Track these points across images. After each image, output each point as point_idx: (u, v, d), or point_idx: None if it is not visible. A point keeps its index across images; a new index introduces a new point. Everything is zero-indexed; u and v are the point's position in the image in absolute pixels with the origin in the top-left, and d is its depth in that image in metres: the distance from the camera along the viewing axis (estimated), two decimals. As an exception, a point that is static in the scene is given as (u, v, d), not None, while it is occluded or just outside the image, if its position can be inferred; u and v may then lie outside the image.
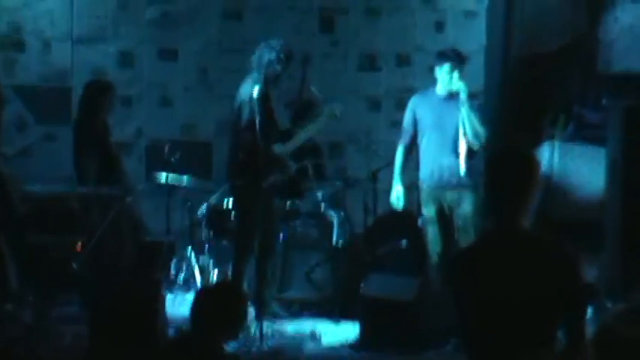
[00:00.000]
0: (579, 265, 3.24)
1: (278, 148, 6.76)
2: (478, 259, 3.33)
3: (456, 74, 6.70)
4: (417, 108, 6.94)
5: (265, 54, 6.71)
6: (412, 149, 7.01)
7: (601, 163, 7.20)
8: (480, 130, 6.65)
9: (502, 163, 3.36)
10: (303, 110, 7.51)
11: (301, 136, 6.98)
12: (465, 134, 6.67)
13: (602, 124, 7.44)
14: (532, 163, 3.35)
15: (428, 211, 6.89)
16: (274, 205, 7.00)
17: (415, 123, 6.94)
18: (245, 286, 6.71)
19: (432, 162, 6.83)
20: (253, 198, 6.65)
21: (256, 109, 6.50)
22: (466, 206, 6.70)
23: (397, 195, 7.03)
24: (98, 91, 7.56)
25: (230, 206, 7.41)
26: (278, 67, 6.71)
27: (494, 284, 3.24)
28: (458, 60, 6.76)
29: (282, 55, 6.70)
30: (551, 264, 3.22)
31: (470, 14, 9.08)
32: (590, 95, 7.97)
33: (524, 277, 3.21)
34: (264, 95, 6.58)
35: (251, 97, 6.56)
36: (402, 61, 9.15)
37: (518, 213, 3.28)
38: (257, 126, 6.47)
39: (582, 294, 3.26)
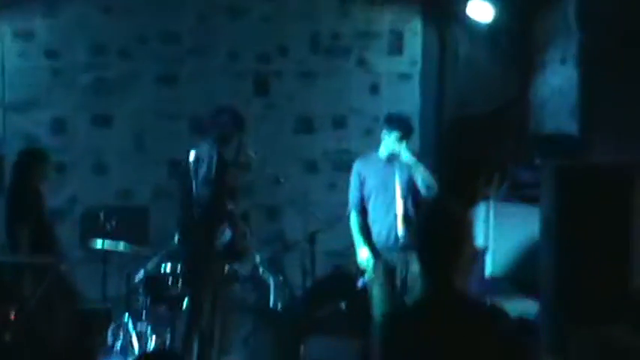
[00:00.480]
0: (514, 333, 3.24)
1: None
2: (411, 321, 3.28)
3: (403, 144, 6.83)
4: (362, 171, 7.06)
5: (217, 119, 6.75)
6: (363, 211, 7.04)
7: (535, 221, 7.28)
8: (432, 182, 6.76)
9: (431, 223, 3.30)
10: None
11: None
12: (403, 196, 6.76)
13: (536, 183, 7.54)
14: (462, 221, 3.27)
15: (375, 271, 6.92)
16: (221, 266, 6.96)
17: (361, 186, 7.00)
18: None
19: (379, 223, 6.93)
20: (208, 258, 6.63)
21: (213, 167, 6.54)
22: (415, 267, 6.73)
23: (366, 258, 7.01)
24: (32, 159, 7.48)
25: (169, 270, 7.34)
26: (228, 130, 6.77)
27: (424, 349, 3.19)
28: (407, 132, 6.90)
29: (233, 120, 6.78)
30: (485, 330, 3.17)
31: (404, 77, 9.20)
32: (523, 155, 8.09)
33: (456, 342, 3.15)
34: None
35: (210, 156, 6.57)
36: (338, 123, 9.22)
37: (451, 274, 3.21)
38: (216, 182, 6.53)
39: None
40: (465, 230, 3.27)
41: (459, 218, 3.28)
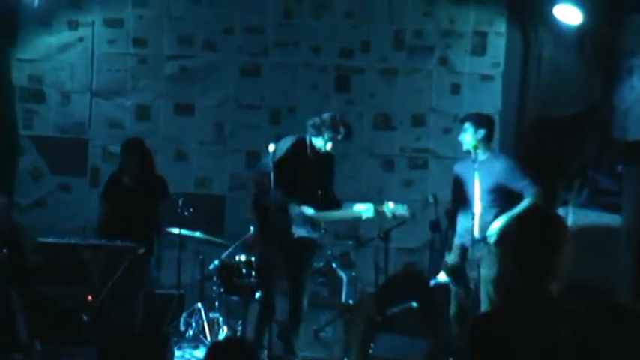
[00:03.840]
0: None
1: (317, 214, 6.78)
2: (501, 324, 3.23)
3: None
4: (456, 170, 7.11)
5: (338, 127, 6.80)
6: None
7: (615, 230, 7.11)
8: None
9: (531, 225, 3.28)
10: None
11: (339, 215, 6.96)
12: (482, 197, 6.64)
13: (617, 191, 7.37)
14: (561, 225, 3.26)
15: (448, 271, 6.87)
16: (304, 266, 6.94)
17: (454, 186, 7.08)
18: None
19: (460, 224, 6.90)
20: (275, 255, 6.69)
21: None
22: (484, 270, 6.62)
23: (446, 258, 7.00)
24: (121, 149, 7.63)
25: (243, 260, 7.35)
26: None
27: (516, 352, 3.14)
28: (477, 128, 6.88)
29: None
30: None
31: (486, 78, 9.05)
32: (605, 162, 7.91)
33: (547, 348, 3.10)
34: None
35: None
36: (417, 121, 9.12)
37: (546, 277, 3.19)
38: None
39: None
40: (563, 235, 3.24)
41: (558, 221, 3.28)
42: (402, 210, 6.78)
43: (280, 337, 6.92)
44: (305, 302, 6.86)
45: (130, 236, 7.10)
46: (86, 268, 6.98)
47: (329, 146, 6.75)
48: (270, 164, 6.55)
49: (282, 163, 6.68)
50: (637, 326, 2.84)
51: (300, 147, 6.84)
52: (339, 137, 6.77)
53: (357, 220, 7.14)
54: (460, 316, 6.80)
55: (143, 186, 7.54)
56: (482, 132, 6.84)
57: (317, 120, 6.80)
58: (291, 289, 6.88)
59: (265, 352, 6.64)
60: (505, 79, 9.01)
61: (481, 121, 6.94)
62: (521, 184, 6.75)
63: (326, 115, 6.83)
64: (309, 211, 6.77)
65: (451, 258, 6.90)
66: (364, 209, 6.79)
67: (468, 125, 6.89)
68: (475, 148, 6.77)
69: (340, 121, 6.78)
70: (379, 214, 6.83)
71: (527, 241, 3.24)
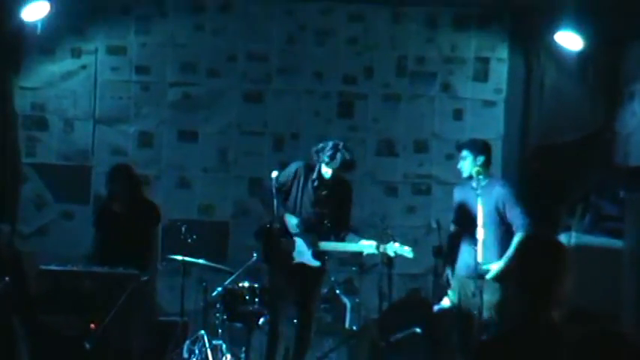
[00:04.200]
0: None
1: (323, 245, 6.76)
2: (505, 350, 3.25)
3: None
4: (456, 195, 7.13)
5: (339, 155, 6.72)
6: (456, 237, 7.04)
7: (618, 255, 7.08)
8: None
9: (532, 253, 3.32)
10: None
11: (345, 246, 6.93)
12: (485, 223, 6.62)
13: (620, 217, 7.35)
14: (562, 252, 3.30)
15: (450, 298, 6.83)
16: (313, 292, 6.91)
17: (455, 211, 7.11)
18: None
19: (463, 249, 6.88)
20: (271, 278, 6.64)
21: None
22: (488, 295, 6.59)
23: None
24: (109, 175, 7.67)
25: (246, 287, 7.33)
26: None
27: None
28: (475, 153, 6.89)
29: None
30: None
31: (488, 103, 9.06)
32: (608, 187, 7.89)
33: None
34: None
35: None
36: (420, 147, 9.11)
37: (548, 304, 3.23)
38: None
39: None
40: (564, 262, 3.28)
41: (559, 249, 3.31)
42: (405, 252, 6.75)
43: None
44: (312, 331, 6.83)
45: (123, 263, 7.07)
46: (89, 296, 6.95)
47: (328, 172, 6.74)
48: (273, 190, 6.55)
49: (283, 189, 6.67)
50: (633, 356, 2.92)
51: (305, 173, 6.83)
52: (334, 163, 6.71)
53: (359, 254, 7.13)
54: (465, 343, 6.76)
55: (133, 212, 7.52)
56: (481, 158, 6.84)
57: (319, 146, 6.80)
58: (299, 316, 6.85)
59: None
60: (507, 105, 9.02)
61: (479, 147, 6.95)
62: (512, 213, 6.75)
63: (328, 142, 6.83)
64: (292, 222, 6.73)
65: (453, 297, 6.87)
66: (367, 245, 6.78)
67: (466, 152, 6.89)
68: (478, 173, 6.76)
69: (340, 149, 6.73)
70: (382, 252, 6.79)
71: (529, 269, 3.27)
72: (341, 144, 6.78)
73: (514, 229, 6.71)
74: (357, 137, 9.04)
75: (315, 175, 6.80)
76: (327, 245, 6.81)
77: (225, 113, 9.05)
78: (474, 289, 6.65)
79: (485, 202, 6.65)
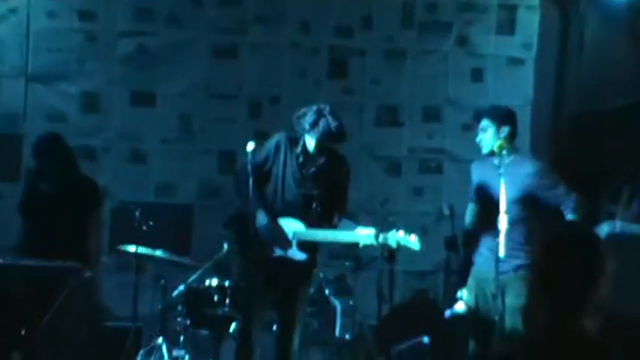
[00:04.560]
0: None
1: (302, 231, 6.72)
2: None
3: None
4: (474, 174, 7.07)
5: (322, 122, 6.62)
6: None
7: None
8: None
9: (560, 248, 3.27)
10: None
11: (334, 235, 6.89)
12: (508, 209, 6.60)
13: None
14: (598, 249, 3.24)
15: (465, 301, 6.84)
16: (294, 295, 6.86)
17: (474, 194, 7.05)
18: None
19: (482, 241, 6.83)
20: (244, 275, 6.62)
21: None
22: (511, 298, 6.59)
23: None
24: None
25: (214, 286, 7.32)
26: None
27: None
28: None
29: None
30: None
31: (514, 62, 9.15)
32: (661, 166, 7.92)
33: None
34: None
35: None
36: (430, 115, 9.13)
37: (579, 311, 3.20)
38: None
39: None
40: (603, 262, 3.23)
41: (593, 242, 3.28)
42: (411, 244, 6.69)
43: None
44: (296, 341, 6.79)
45: (55, 256, 7.02)
46: (18, 296, 6.91)
47: (311, 144, 6.68)
48: (249, 167, 6.49)
49: (263, 169, 6.62)
50: None
51: (287, 146, 6.77)
52: (315, 132, 6.65)
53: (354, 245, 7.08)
54: (481, 356, 6.76)
55: (66, 192, 7.44)
56: (506, 129, 6.81)
57: (301, 111, 6.74)
58: (279, 322, 6.82)
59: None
60: (538, 64, 9.09)
61: (503, 115, 6.91)
62: (554, 194, 6.72)
63: (312, 106, 6.75)
64: (261, 219, 6.69)
65: (467, 298, 6.87)
66: (364, 235, 6.71)
67: (487, 123, 6.85)
68: (501, 148, 6.73)
69: (324, 114, 6.66)
70: (381, 243, 6.73)
71: (559, 269, 3.24)
72: (327, 108, 6.70)
73: (565, 213, 6.69)
74: (353, 102, 9.12)
75: (299, 149, 6.75)
76: (315, 234, 6.76)
77: (189, 71, 9.07)
78: (494, 289, 6.65)
79: (510, 183, 6.62)
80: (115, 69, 8.99)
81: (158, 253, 7.62)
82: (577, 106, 8.82)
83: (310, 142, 6.67)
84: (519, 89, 8.99)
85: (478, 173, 7.04)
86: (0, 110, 8.87)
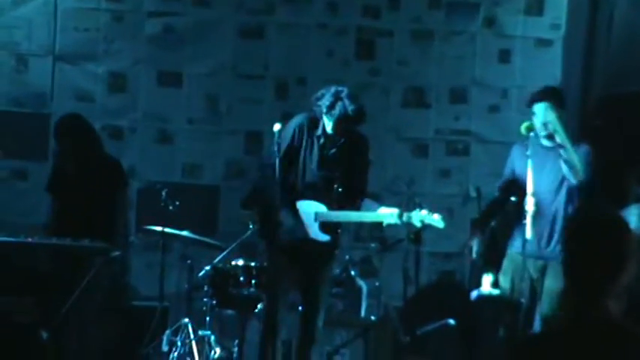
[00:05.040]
0: None
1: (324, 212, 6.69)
2: (548, 351, 3.20)
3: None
4: (513, 156, 7.07)
5: (339, 105, 6.58)
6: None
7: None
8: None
9: (586, 232, 3.24)
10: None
11: (358, 216, 6.87)
12: (535, 191, 6.60)
13: None
14: (624, 232, 3.22)
15: (502, 283, 6.88)
16: (318, 278, 6.84)
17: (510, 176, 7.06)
18: None
19: (520, 225, 6.81)
20: (270, 260, 6.56)
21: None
22: (550, 281, 6.58)
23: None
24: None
25: (240, 266, 7.34)
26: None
27: None
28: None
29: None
30: None
31: (542, 43, 9.09)
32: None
33: None
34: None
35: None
36: (457, 96, 9.11)
37: (604, 296, 3.16)
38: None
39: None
40: (629, 244, 3.20)
41: (620, 227, 3.23)
42: (435, 222, 6.65)
43: None
44: (320, 322, 6.79)
45: (83, 236, 7.03)
46: (46, 275, 6.95)
47: (329, 126, 6.65)
48: (275, 160, 6.46)
49: (288, 150, 6.60)
50: None
51: (309, 128, 6.73)
52: (332, 114, 6.61)
53: (378, 226, 7.06)
54: (511, 339, 6.76)
55: (89, 173, 7.46)
56: (564, 112, 6.80)
57: (319, 92, 6.71)
58: (303, 303, 6.82)
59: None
60: (567, 45, 9.03)
61: (562, 97, 6.91)
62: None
63: (331, 88, 6.71)
64: (287, 220, 6.66)
65: (504, 281, 6.87)
66: (387, 214, 6.68)
67: (547, 104, 6.78)
68: (528, 130, 6.73)
69: (341, 97, 6.62)
70: (405, 222, 6.70)
71: (586, 253, 3.22)
72: (345, 91, 6.63)
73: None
74: (380, 84, 9.10)
75: (320, 131, 6.72)
76: (337, 215, 6.75)
77: (216, 51, 9.05)
78: (532, 271, 6.66)
79: (536, 160, 6.63)
80: (142, 49, 8.98)
81: (185, 233, 7.65)
82: (606, 88, 8.75)
83: (328, 124, 6.65)
84: (547, 71, 8.91)
85: (517, 154, 7.02)
86: (28, 89, 8.88)
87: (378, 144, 8.69)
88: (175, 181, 8.71)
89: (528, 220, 6.65)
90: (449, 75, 9.11)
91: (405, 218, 6.55)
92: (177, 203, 7.64)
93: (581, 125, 8.79)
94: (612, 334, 3.15)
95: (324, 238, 6.71)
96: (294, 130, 6.67)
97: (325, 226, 6.69)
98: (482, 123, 9.01)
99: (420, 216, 6.56)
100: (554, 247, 6.66)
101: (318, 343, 6.88)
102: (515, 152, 7.02)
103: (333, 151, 6.68)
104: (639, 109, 8.41)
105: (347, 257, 8.02)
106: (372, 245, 8.15)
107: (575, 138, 8.32)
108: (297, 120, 6.74)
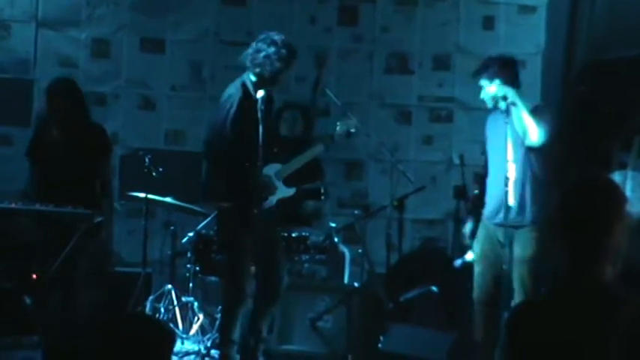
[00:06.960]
0: None
1: (280, 168, 6.69)
2: (545, 316, 3.23)
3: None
4: (486, 127, 6.98)
5: (263, 48, 6.56)
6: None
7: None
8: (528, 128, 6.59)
9: (578, 197, 3.26)
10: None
11: (302, 158, 6.88)
12: (516, 158, 6.60)
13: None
14: (617, 197, 3.24)
15: (475, 248, 6.84)
16: (277, 236, 6.86)
17: (485, 146, 7.00)
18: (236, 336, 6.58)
19: (490, 191, 6.83)
20: (243, 226, 6.51)
21: (260, 115, 6.43)
22: (518, 249, 6.59)
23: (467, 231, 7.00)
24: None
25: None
26: (277, 65, 6.55)
27: (563, 349, 3.14)
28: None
29: (283, 51, 6.55)
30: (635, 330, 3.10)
31: (526, 9, 9.09)
32: (674, 115, 7.90)
33: (601, 342, 3.09)
34: (267, 99, 6.53)
35: (246, 101, 6.46)
36: (440, 63, 9.12)
37: (599, 261, 3.18)
38: (260, 137, 6.41)
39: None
40: (618, 207, 3.22)
41: (612, 192, 3.25)
42: (346, 125, 6.81)
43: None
44: (285, 275, 6.76)
45: (65, 202, 7.01)
46: (29, 241, 6.95)
47: (259, 93, 6.60)
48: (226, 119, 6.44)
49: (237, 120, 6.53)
50: None
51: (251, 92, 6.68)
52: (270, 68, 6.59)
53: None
54: (487, 303, 6.76)
55: (76, 139, 7.43)
56: (497, 81, 6.73)
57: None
58: (265, 257, 6.72)
59: (235, 347, 6.59)
60: (550, 11, 9.01)
61: (496, 68, 6.81)
62: None
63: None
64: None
65: (475, 246, 6.87)
66: (316, 147, 6.86)
67: (484, 82, 6.76)
68: (504, 99, 6.70)
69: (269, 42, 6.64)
70: (333, 140, 6.91)
71: (575, 217, 3.22)
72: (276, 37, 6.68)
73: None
74: (363, 50, 9.11)
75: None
76: (291, 165, 6.80)
77: (199, 18, 9.06)
78: (503, 239, 6.67)
79: (514, 129, 6.62)
80: (125, 15, 8.98)
81: (168, 199, 7.67)
82: (589, 55, 8.74)
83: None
84: (531, 37, 8.95)
85: (488, 126, 7.01)
86: (11, 55, 8.87)
87: (361, 110, 8.74)
88: (159, 147, 8.73)
89: (510, 187, 6.65)
90: (432, 41, 9.11)
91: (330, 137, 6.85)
92: (161, 170, 7.67)
93: (565, 91, 8.81)
94: (605, 299, 3.15)
95: (290, 192, 6.77)
96: (241, 97, 6.61)
97: (287, 180, 6.75)
98: (465, 90, 8.93)
99: (339, 127, 6.73)
100: (523, 214, 6.62)
101: (300, 308, 6.93)
102: (488, 123, 7.02)
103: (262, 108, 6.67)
104: (623, 75, 8.42)
105: (331, 224, 8.04)
106: (356, 212, 8.15)
107: (560, 104, 8.44)
108: (237, 84, 6.72)
